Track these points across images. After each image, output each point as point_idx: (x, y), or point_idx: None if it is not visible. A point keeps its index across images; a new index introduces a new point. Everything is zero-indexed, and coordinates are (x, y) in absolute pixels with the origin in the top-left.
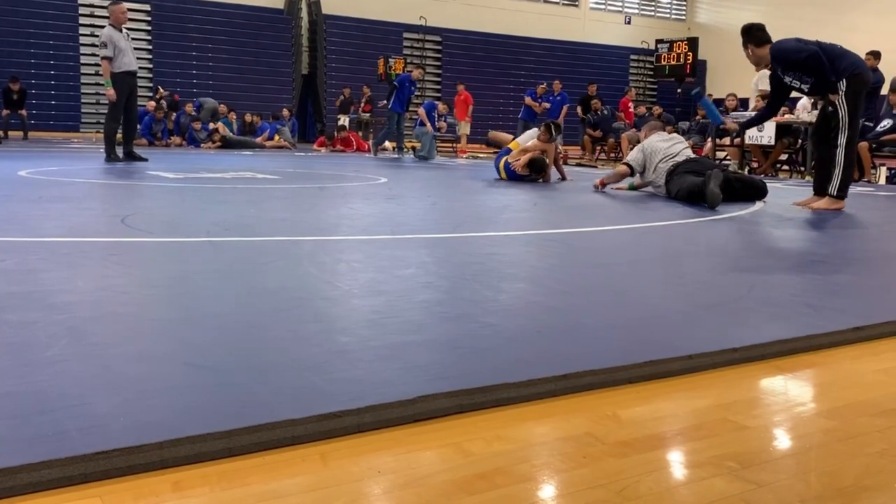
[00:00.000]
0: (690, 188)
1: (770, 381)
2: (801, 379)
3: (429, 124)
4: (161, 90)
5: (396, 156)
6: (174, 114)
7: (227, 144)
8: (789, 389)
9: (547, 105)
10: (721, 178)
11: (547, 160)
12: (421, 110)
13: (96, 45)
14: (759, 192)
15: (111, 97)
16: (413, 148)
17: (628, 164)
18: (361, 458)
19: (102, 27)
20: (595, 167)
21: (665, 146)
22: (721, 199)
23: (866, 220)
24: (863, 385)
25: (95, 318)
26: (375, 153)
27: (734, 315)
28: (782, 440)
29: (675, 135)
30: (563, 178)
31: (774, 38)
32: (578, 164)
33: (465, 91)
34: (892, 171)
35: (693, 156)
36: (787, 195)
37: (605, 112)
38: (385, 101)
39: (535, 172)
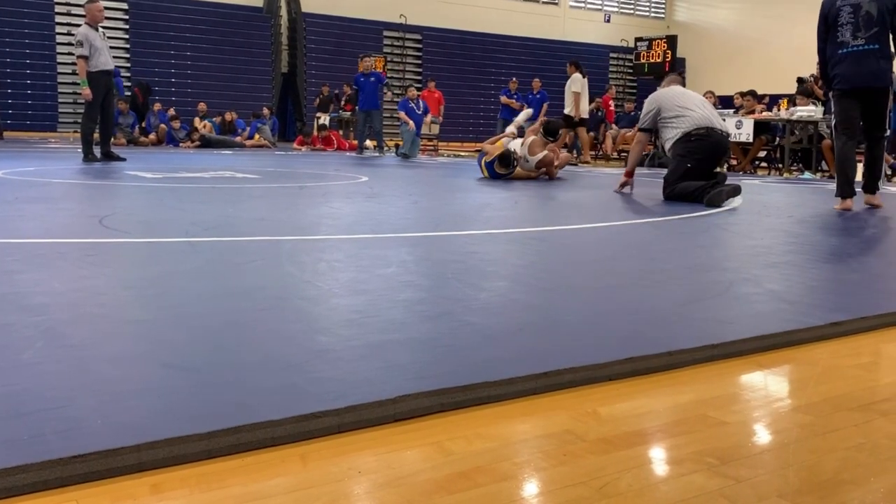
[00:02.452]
0: (692, 194)
1: (749, 376)
2: (780, 374)
3: (410, 122)
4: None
5: (376, 154)
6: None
7: (206, 143)
8: (768, 385)
9: (518, 104)
10: (738, 192)
11: (518, 156)
12: (400, 112)
13: (73, 45)
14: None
15: (87, 96)
16: (397, 146)
17: (642, 129)
18: (342, 459)
19: (79, 26)
20: (576, 164)
21: (692, 94)
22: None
23: (846, 215)
24: (840, 380)
25: (72, 320)
26: (361, 152)
27: (714, 311)
28: (761, 435)
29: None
30: (551, 177)
31: (751, 35)
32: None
33: (437, 89)
34: None
35: (709, 126)
36: (767, 192)
37: (601, 113)
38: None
39: (503, 167)
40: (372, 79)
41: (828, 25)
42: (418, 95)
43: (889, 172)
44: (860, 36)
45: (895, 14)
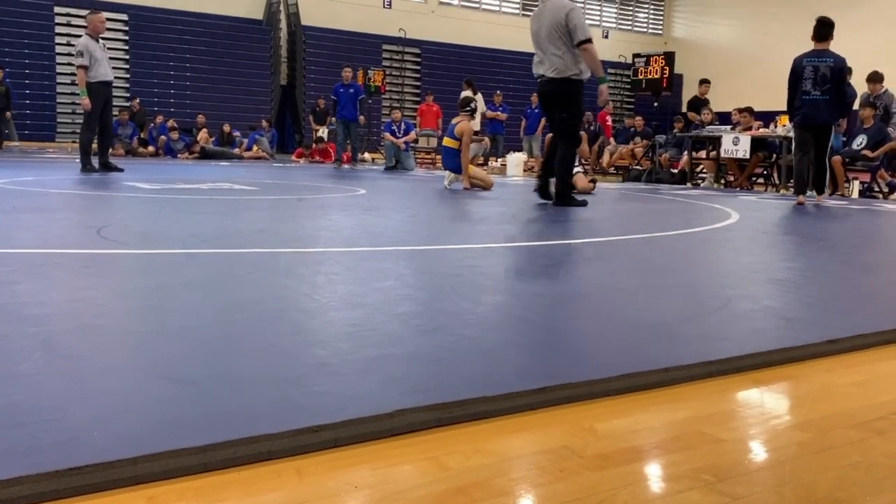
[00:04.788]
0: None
1: (746, 393)
2: (777, 391)
3: (392, 138)
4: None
5: (348, 166)
6: (150, 124)
7: (204, 155)
8: (765, 402)
9: (504, 115)
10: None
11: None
12: (385, 133)
13: (72, 55)
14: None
15: (86, 107)
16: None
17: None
18: (338, 473)
19: (78, 36)
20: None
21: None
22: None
23: (839, 232)
24: (837, 397)
25: (69, 331)
26: (354, 165)
27: (711, 328)
28: (758, 453)
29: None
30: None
31: (748, 52)
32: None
33: (435, 103)
34: (865, 185)
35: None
36: (763, 209)
37: (594, 128)
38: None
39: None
40: (351, 90)
41: (796, 77)
42: (403, 118)
43: (886, 190)
44: (817, 89)
45: (839, 78)
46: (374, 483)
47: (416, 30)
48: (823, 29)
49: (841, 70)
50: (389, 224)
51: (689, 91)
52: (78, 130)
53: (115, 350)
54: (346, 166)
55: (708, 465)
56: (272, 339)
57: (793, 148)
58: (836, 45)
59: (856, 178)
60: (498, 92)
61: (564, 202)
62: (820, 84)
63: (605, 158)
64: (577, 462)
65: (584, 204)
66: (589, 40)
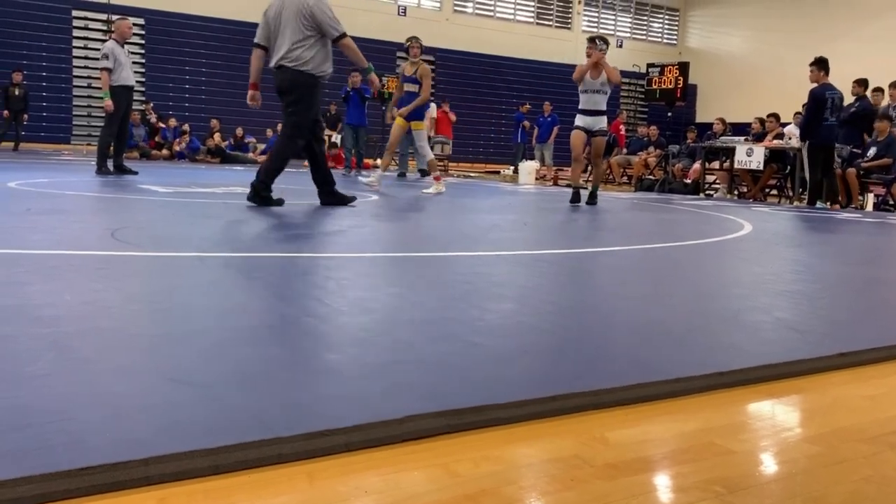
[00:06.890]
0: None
1: (757, 405)
2: (788, 404)
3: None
4: (150, 110)
5: (355, 172)
6: (161, 127)
7: (223, 158)
8: (776, 414)
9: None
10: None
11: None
12: None
13: (90, 59)
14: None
15: (108, 108)
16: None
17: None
18: (349, 478)
19: (96, 40)
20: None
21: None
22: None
23: (853, 245)
24: (848, 410)
25: (81, 333)
26: (360, 172)
27: (721, 338)
28: (768, 465)
29: None
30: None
31: (762, 62)
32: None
33: (452, 110)
34: (880, 198)
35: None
36: (776, 220)
37: (608, 139)
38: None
39: None
40: (362, 92)
41: (819, 106)
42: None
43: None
44: (834, 116)
45: (842, 107)
46: (384, 488)
47: (431, 37)
48: (827, 66)
49: (842, 100)
50: (400, 230)
51: (703, 101)
52: (93, 133)
53: (127, 352)
54: (353, 172)
55: (718, 476)
56: (283, 343)
57: (808, 166)
58: (850, 59)
59: (870, 191)
60: (526, 104)
61: (261, 201)
62: (838, 112)
63: (615, 170)
64: (586, 471)
65: (280, 203)
66: (344, 35)
